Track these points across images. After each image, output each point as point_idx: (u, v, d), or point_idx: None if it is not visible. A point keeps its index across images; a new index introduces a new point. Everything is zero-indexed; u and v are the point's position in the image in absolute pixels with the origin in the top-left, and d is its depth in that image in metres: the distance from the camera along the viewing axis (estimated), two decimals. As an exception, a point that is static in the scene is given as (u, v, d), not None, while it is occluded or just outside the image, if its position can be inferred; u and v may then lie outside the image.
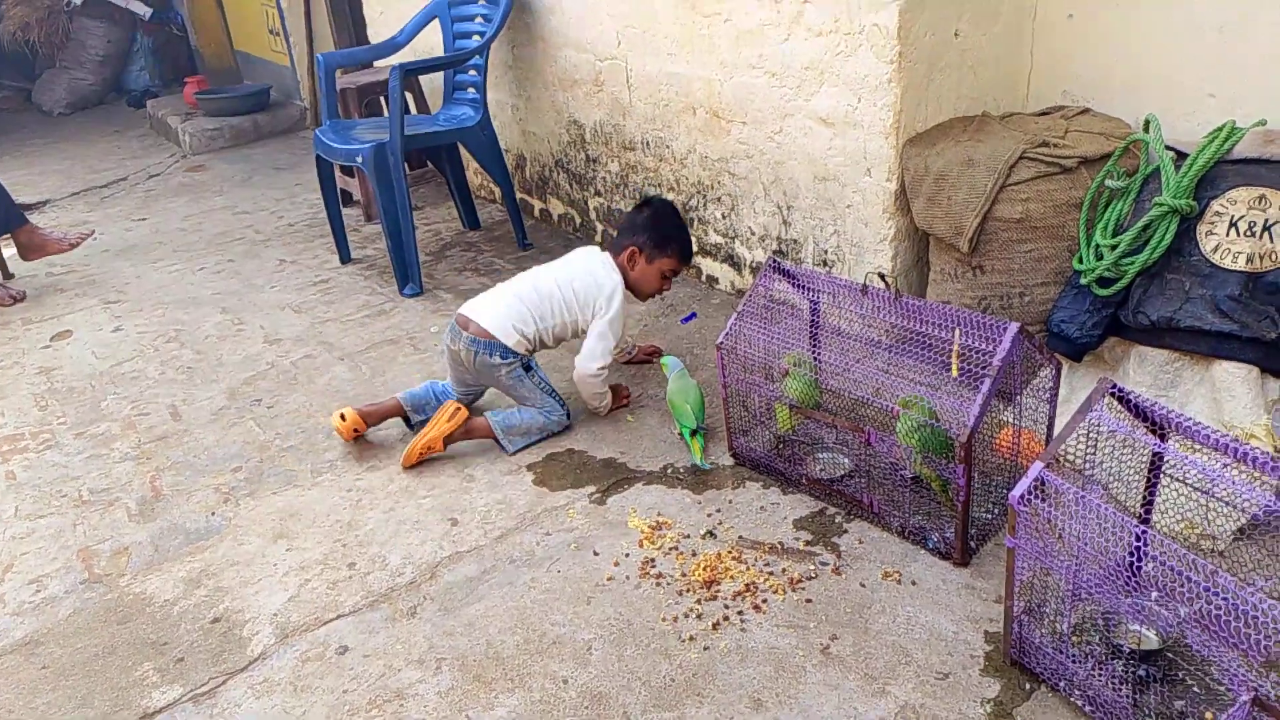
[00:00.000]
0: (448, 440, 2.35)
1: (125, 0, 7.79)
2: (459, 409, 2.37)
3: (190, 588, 1.97)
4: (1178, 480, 1.55)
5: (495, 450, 2.37)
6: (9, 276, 3.93)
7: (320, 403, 2.69)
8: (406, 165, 3.27)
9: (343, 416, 2.39)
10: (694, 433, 2.26)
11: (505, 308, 2.35)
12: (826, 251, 2.71)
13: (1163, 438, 1.46)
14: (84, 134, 6.88)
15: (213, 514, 2.22)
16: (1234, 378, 1.83)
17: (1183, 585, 1.26)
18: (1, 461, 2.54)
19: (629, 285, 2.44)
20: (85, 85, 7.91)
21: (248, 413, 2.68)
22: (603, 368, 2.37)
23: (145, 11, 7.82)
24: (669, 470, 2.22)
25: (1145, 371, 2.00)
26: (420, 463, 2.34)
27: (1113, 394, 1.43)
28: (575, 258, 2.48)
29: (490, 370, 2.34)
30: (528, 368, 2.36)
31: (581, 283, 2.38)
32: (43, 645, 1.84)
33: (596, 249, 2.50)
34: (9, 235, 3.78)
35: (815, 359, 2.04)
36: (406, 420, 2.48)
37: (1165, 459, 1.50)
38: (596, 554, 1.95)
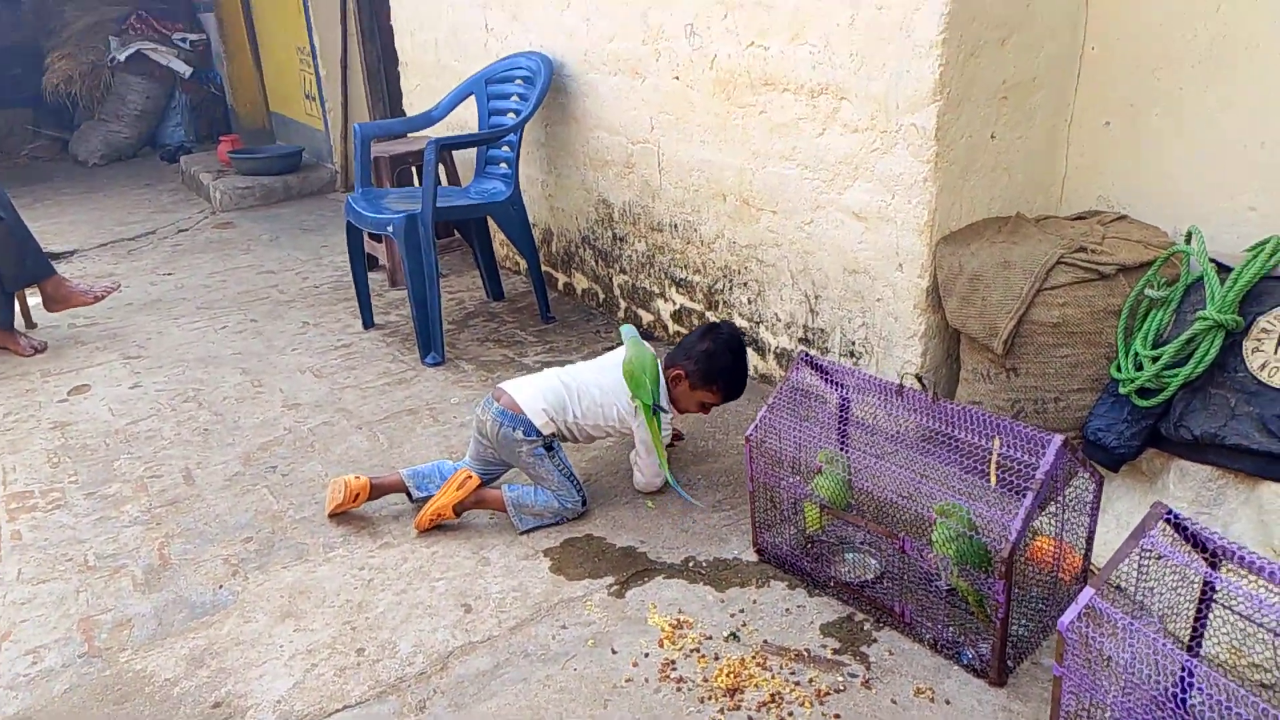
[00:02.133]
0: (458, 509, 2.32)
1: (167, 59, 8.03)
2: (469, 477, 2.33)
3: (192, 667, 1.90)
4: (1228, 609, 1.48)
5: (511, 530, 2.32)
6: (32, 326, 3.95)
7: (336, 472, 2.65)
8: (434, 235, 3.29)
9: (356, 477, 2.38)
10: (654, 411, 2.30)
11: (543, 388, 2.34)
12: (854, 343, 2.69)
13: (1215, 565, 1.40)
14: (116, 185, 7.00)
15: (220, 587, 2.16)
16: (1283, 501, 1.77)
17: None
18: (8, 520, 2.50)
19: (670, 399, 2.43)
20: (121, 138, 8.09)
21: (262, 480, 2.64)
22: (658, 475, 2.42)
23: (186, 70, 8.05)
24: (690, 563, 2.16)
25: (1187, 487, 1.94)
26: (433, 528, 2.31)
27: (1167, 520, 1.38)
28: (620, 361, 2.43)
29: (511, 445, 2.30)
30: (549, 448, 2.32)
31: (619, 395, 2.35)
32: (35, 723, 1.77)
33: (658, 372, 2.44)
34: (36, 285, 3.80)
35: (847, 457, 1.99)
36: (409, 495, 2.44)
37: (1217, 588, 1.44)
38: (615, 652, 1.87)
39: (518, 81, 3.61)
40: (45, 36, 8.48)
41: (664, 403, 2.36)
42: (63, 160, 8.30)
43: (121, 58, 7.91)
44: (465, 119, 4.01)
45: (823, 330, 2.79)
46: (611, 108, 3.37)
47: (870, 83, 2.37)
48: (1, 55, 8.76)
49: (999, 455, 1.75)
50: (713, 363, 2.39)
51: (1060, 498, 1.77)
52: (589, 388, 2.36)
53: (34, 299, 3.97)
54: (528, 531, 2.30)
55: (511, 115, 3.58)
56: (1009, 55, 2.29)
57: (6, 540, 2.40)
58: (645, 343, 2.40)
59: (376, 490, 2.40)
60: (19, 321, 3.86)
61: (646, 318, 3.57)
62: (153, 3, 8.49)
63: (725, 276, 3.11)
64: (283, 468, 2.70)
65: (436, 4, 4.27)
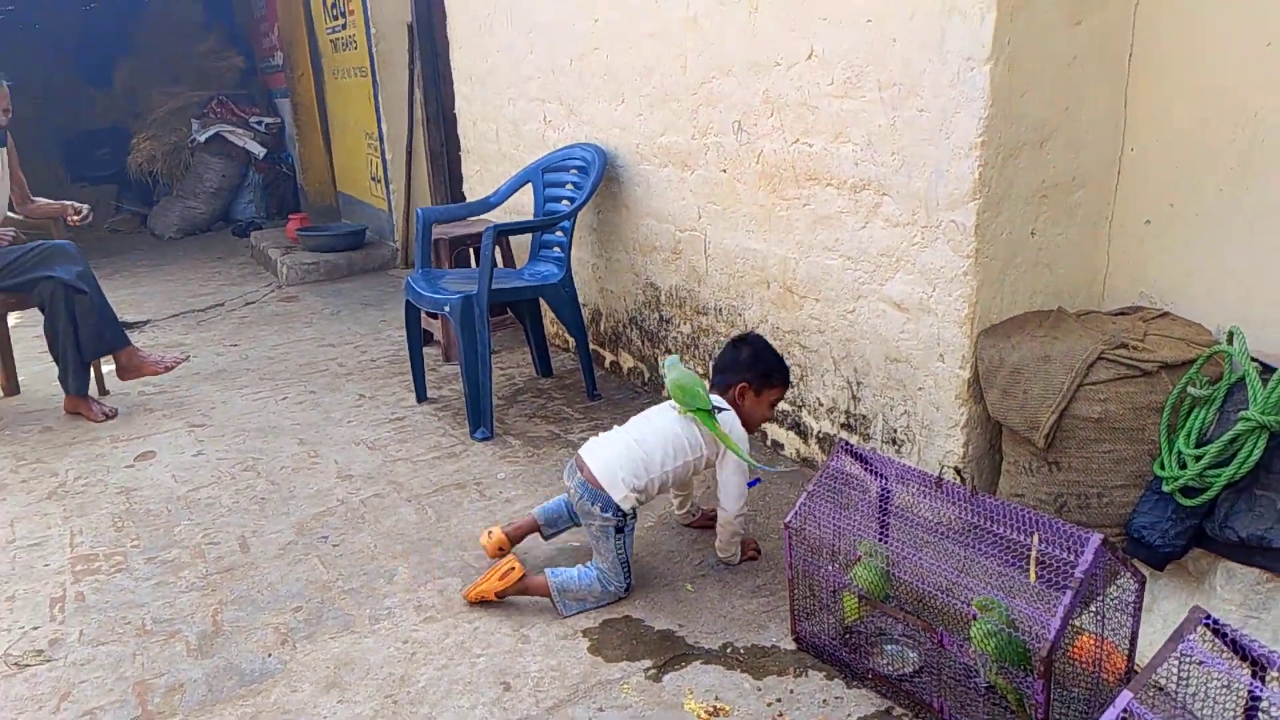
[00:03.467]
0: (501, 595, 2.38)
1: (243, 140, 8.51)
2: (512, 569, 2.38)
3: (240, 735, 1.96)
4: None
5: (550, 611, 2.35)
6: (104, 393, 4.15)
7: (384, 545, 2.72)
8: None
9: (489, 534, 2.54)
10: (711, 413, 2.36)
11: (619, 456, 2.37)
12: (896, 430, 2.71)
13: (1260, 674, 1.38)
14: (189, 258, 7.37)
15: (269, 655, 2.23)
16: (1333, 608, 1.74)
17: None
18: (74, 581, 2.61)
19: (743, 420, 2.51)
20: (196, 213, 8.54)
21: (314, 550, 2.72)
22: (744, 504, 2.45)
23: (260, 151, 8.51)
24: (728, 649, 2.16)
25: (1234, 589, 1.92)
26: (478, 603, 2.40)
27: (1206, 625, 1.37)
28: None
29: (588, 518, 2.38)
30: (620, 530, 2.36)
31: (675, 431, 2.42)
32: (89, 784, 1.84)
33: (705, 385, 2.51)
34: (111, 354, 4.00)
35: (887, 548, 2.00)
36: (541, 534, 2.59)
37: (1262, 698, 1.41)
38: (650, 737, 1.88)
39: (573, 170, 3.77)
40: (133, 119, 9.09)
41: (722, 403, 2.45)
42: (141, 234, 8.78)
43: (202, 139, 8.41)
44: (522, 203, 4.18)
45: (864, 417, 2.81)
46: (661, 197, 3.50)
47: (911, 180, 2.45)
48: (93, 136, 9.39)
49: (1038, 552, 1.76)
50: (763, 362, 2.52)
51: (1102, 597, 1.76)
52: (670, 434, 2.41)
53: (108, 367, 4.18)
54: (571, 616, 2.34)
55: (566, 203, 3.74)
56: (1048, 156, 2.36)
57: (71, 601, 2.51)
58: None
59: (513, 540, 2.56)
60: (92, 388, 4.06)
61: (691, 399, 3.63)
62: (233, 89, 9.06)
63: (769, 361, 3.17)
64: (334, 538, 2.79)
65: (498, 98, 4.51)
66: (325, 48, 7.36)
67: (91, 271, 3.93)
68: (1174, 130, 2.33)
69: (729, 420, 2.43)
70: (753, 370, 2.50)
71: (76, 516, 3.01)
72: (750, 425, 2.53)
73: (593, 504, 2.33)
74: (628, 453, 2.38)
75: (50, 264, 3.80)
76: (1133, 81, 2.40)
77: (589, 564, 2.38)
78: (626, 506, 2.33)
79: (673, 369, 2.45)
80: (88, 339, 3.84)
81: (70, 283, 3.77)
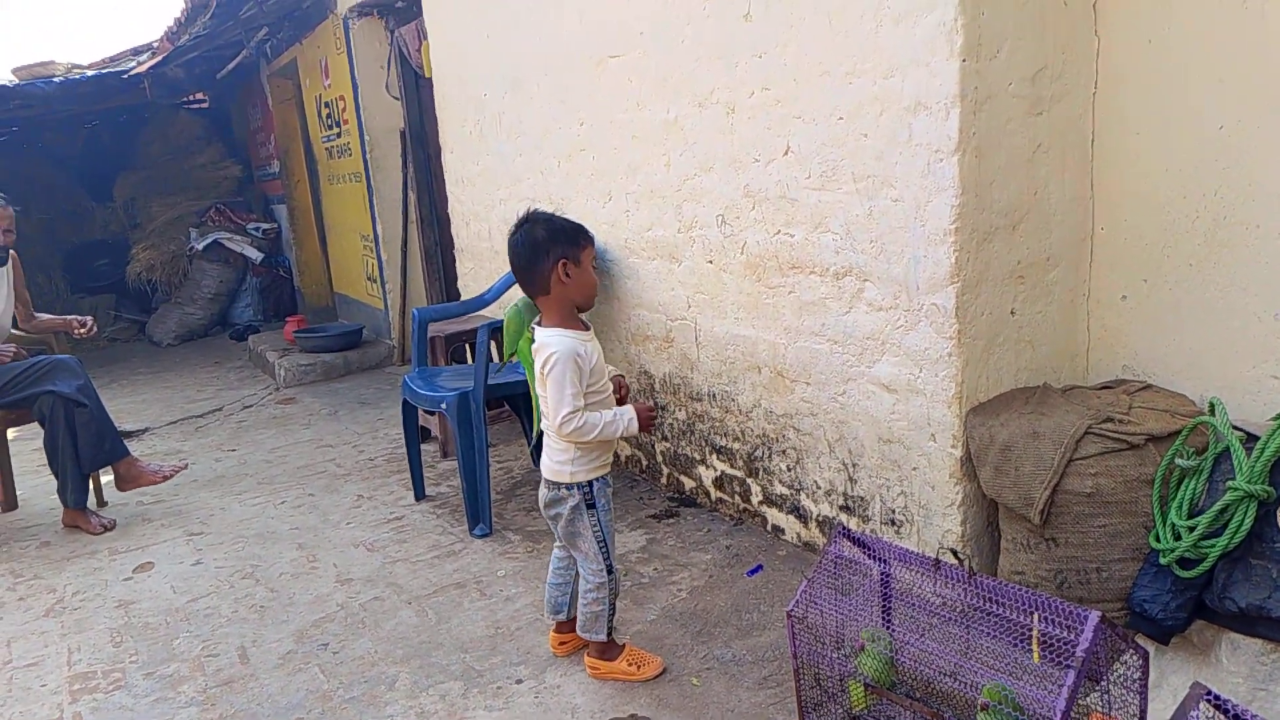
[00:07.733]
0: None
1: (241, 246, 8.69)
2: (562, 645, 2.58)
3: None
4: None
5: (556, 712, 2.32)
6: (102, 505, 4.14)
7: (384, 650, 2.69)
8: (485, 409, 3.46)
9: (553, 645, 2.63)
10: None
11: (546, 451, 2.43)
12: (894, 511, 2.72)
13: (1268, 750, 1.38)
14: (187, 365, 7.43)
15: (270, 771, 2.18)
16: (1339, 677, 1.73)
17: None
18: (71, 701, 2.57)
19: (571, 301, 2.33)
20: (194, 319, 8.65)
21: (314, 658, 2.69)
22: (570, 413, 2.23)
23: (257, 256, 8.68)
24: (737, 745, 2.13)
25: (1239, 661, 1.91)
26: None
27: (1208, 700, 1.37)
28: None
29: (556, 505, 2.41)
30: (591, 505, 2.40)
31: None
32: None
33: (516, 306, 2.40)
34: (110, 465, 4.02)
35: (890, 634, 2.00)
36: (568, 621, 2.60)
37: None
38: (661, 842, 1.84)
39: (563, 266, 3.86)
40: (132, 229, 9.29)
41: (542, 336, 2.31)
42: (139, 341, 8.87)
43: (200, 247, 8.58)
44: (516, 299, 4.26)
45: (862, 499, 2.83)
46: (651, 288, 3.59)
47: (891, 266, 2.53)
48: (92, 248, 9.59)
49: (1040, 631, 1.76)
50: (556, 227, 2.31)
51: (1108, 674, 1.76)
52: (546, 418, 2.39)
53: (106, 478, 4.18)
54: (609, 634, 2.45)
55: (557, 297, 3.82)
56: (1021, 239, 2.44)
57: (68, 722, 2.47)
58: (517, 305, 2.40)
59: (569, 630, 2.60)
60: (90, 500, 4.05)
61: (689, 484, 3.64)
62: (230, 197, 9.29)
63: (764, 444, 3.20)
64: (334, 645, 2.76)
65: (489, 198, 4.65)
66: (321, 155, 7.59)
67: (92, 384, 3.97)
68: (1141, 210, 2.43)
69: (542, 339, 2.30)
70: (561, 241, 2.28)
71: (74, 633, 2.98)
72: (587, 296, 2.35)
73: (556, 492, 2.40)
74: (546, 445, 2.43)
75: (51, 379, 3.84)
76: (1097, 165, 2.51)
77: (580, 591, 2.47)
78: (576, 481, 2.37)
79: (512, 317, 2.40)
80: (87, 451, 3.86)
81: (70, 396, 3.81)
